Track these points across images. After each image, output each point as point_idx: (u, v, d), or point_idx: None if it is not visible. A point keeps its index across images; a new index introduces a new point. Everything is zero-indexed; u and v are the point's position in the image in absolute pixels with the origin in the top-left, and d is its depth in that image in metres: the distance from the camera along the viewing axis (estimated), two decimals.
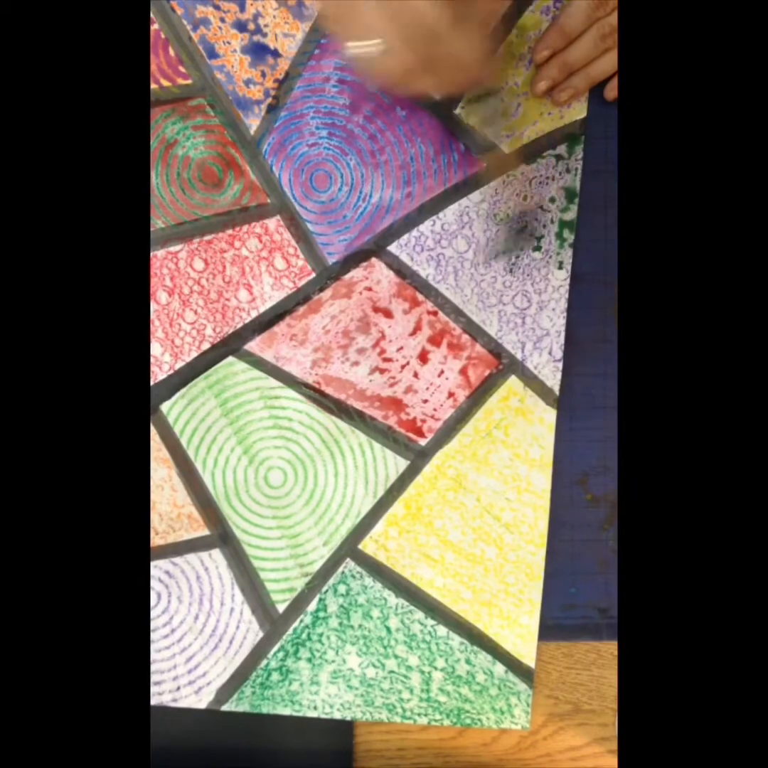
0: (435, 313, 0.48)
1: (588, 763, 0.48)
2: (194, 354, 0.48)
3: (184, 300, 0.48)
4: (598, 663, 0.49)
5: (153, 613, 0.48)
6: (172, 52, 0.48)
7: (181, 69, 0.48)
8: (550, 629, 0.48)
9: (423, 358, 0.48)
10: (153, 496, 0.48)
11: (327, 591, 0.48)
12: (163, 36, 0.48)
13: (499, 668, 0.48)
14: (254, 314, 0.48)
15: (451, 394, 0.48)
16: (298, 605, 0.48)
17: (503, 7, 0.36)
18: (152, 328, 0.48)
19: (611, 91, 0.47)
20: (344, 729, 0.48)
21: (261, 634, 0.48)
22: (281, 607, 0.48)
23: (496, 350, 0.48)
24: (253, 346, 0.48)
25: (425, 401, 0.48)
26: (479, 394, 0.48)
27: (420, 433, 0.48)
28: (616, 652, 0.48)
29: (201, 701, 0.47)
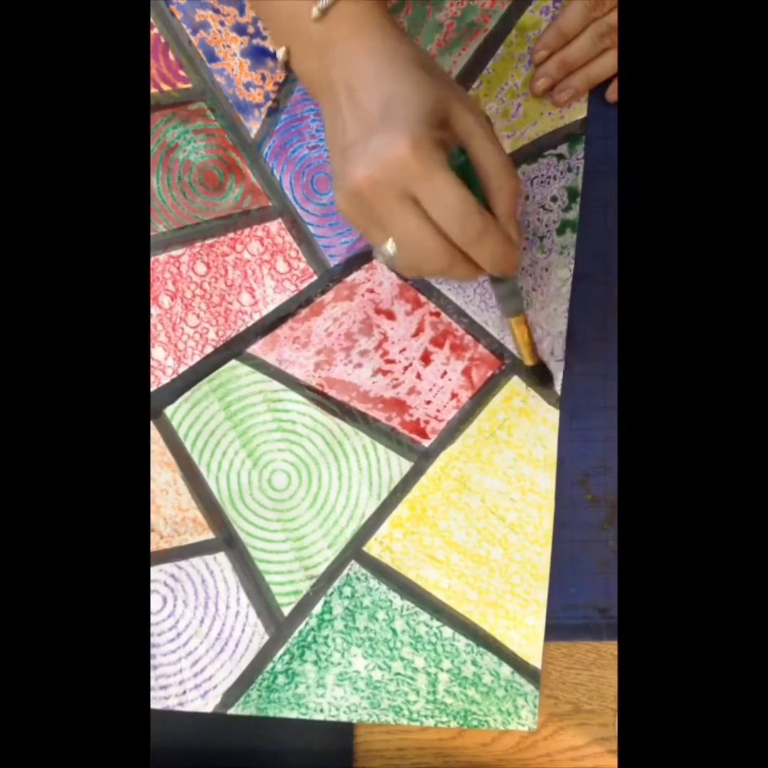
0: (437, 315, 0.48)
1: (588, 763, 0.48)
2: (197, 358, 0.48)
3: (187, 304, 0.48)
4: (598, 663, 0.49)
5: (158, 617, 0.48)
6: (172, 56, 0.48)
7: (181, 73, 0.48)
8: (550, 629, 0.48)
9: (426, 359, 0.48)
10: (157, 500, 0.48)
11: (332, 593, 0.48)
12: (162, 40, 0.48)
13: (506, 669, 0.48)
14: (257, 317, 0.48)
15: (454, 395, 0.48)
16: (303, 608, 0.48)
17: (520, 228, 0.39)
18: (155, 333, 0.48)
19: (613, 93, 0.47)
20: (344, 729, 0.48)
21: (266, 637, 0.48)
22: (287, 610, 0.48)
23: (499, 351, 0.48)
24: (255, 349, 0.48)
25: (428, 402, 0.48)
26: (482, 395, 0.48)
27: (423, 435, 0.48)
28: (616, 652, 0.48)
29: (207, 705, 0.47)
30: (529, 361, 0.46)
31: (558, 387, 0.48)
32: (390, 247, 0.37)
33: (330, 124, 0.38)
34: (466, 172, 0.36)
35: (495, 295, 0.45)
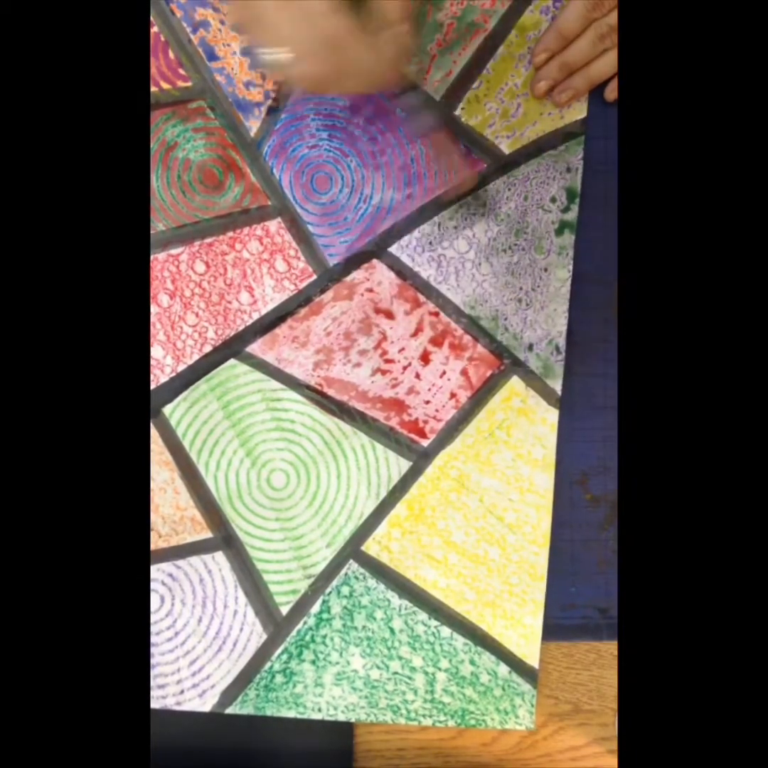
0: (436, 314, 0.48)
1: (588, 763, 0.48)
2: (196, 357, 0.48)
3: (186, 303, 0.48)
4: (598, 663, 0.49)
5: (156, 617, 0.48)
6: (171, 54, 0.48)
7: (181, 72, 0.48)
8: (550, 629, 0.48)
9: (425, 359, 0.48)
10: (156, 499, 0.48)
11: (330, 593, 0.48)
12: (162, 39, 0.48)
13: (503, 669, 0.48)
14: (256, 316, 0.48)
15: (453, 395, 0.48)
16: (301, 607, 0.48)
17: (409, 7, 0.36)
18: (154, 331, 0.48)
19: (612, 93, 0.47)
20: (344, 729, 0.48)
21: (265, 637, 0.48)
22: (285, 610, 0.48)
23: (498, 350, 0.48)
24: (254, 348, 0.48)
25: (427, 402, 0.48)
26: (481, 395, 0.48)
27: (422, 434, 0.48)
28: (616, 652, 0.48)
29: (205, 704, 0.47)
30: (464, 183, 0.44)
31: (558, 387, 0.48)
32: (276, 52, 0.35)
33: None
34: None
35: (404, 110, 0.43)
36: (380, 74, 0.37)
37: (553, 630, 0.48)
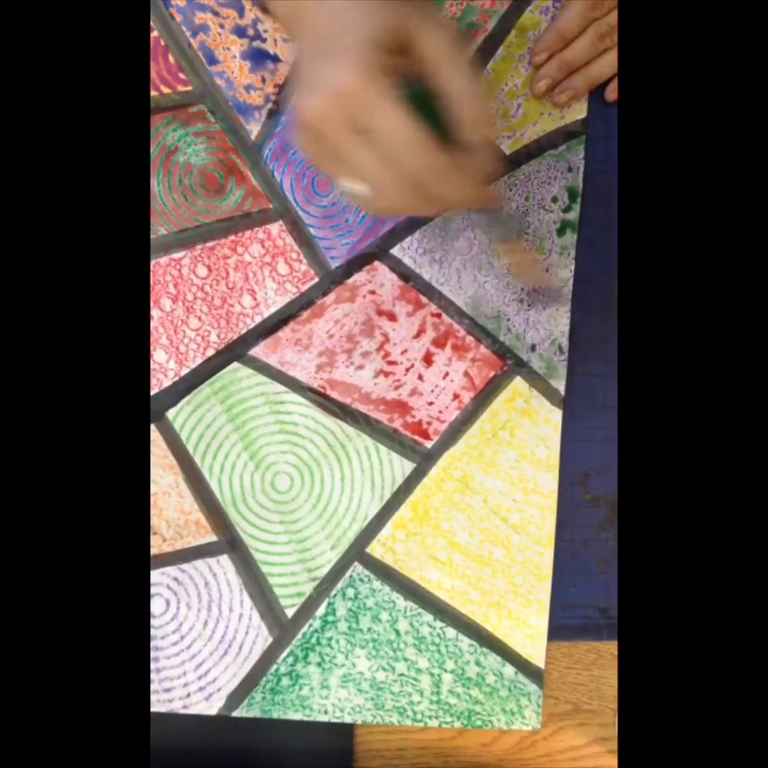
0: (439, 315, 0.48)
1: (588, 763, 0.48)
2: (199, 360, 0.48)
3: (188, 307, 0.48)
4: (598, 663, 0.49)
5: (162, 620, 0.48)
6: (171, 58, 0.48)
7: (181, 76, 0.48)
8: (550, 629, 0.48)
9: (427, 360, 0.48)
10: (160, 503, 0.48)
11: (335, 595, 0.48)
12: (162, 43, 0.48)
13: (509, 669, 0.48)
14: (258, 319, 0.48)
15: (456, 396, 0.48)
16: (306, 610, 0.48)
17: (496, 158, 0.36)
18: (157, 335, 0.48)
19: (612, 93, 0.47)
20: (345, 730, 0.48)
21: (270, 640, 0.48)
22: (290, 612, 0.48)
23: (501, 351, 0.48)
24: (257, 351, 0.48)
25: (430, 403, 0.48)
26: (484, 396, 0.48)
27: (426, 436, 0.48)
28: (616, 652, 0.48)
29: (211, 707, 0.47)
30: (537, 282, 0.44)
31: (561, 387, 0.48)
32: (356, 185, 0.35)
33: (296, 59, 0.36)
34: (424, 104, 0.33)
35: (482, 222, 0.43)
36: (462, 203, 0.36)
37: (554, 630, 0.48)
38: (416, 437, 0.48)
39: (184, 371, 0.48)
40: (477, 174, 0.35)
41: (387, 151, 0.33)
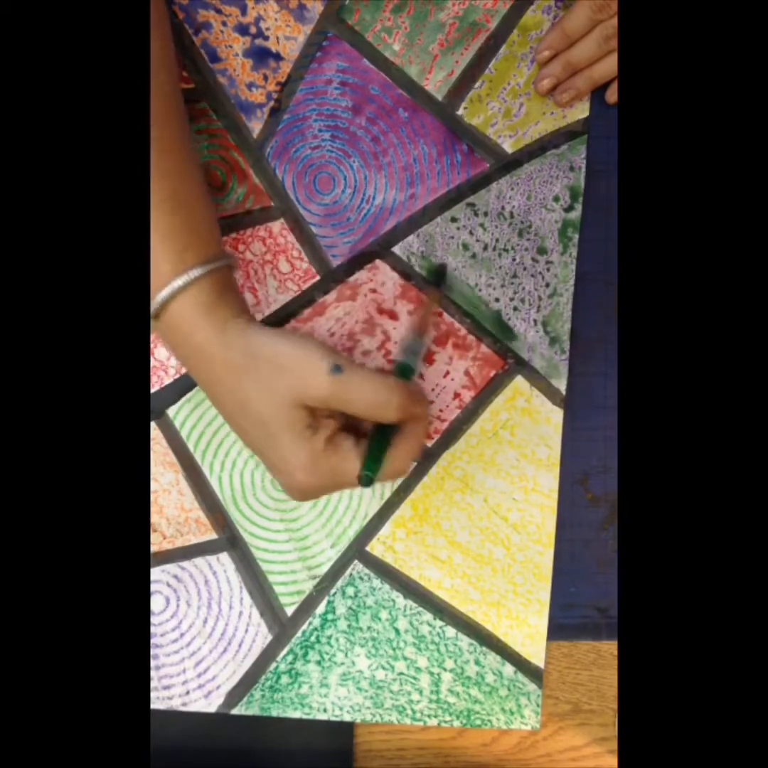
0: (439, 314, 0.48)
1: (588, 763, 0.48)
2: None
3: None
4: (598, 663, 0.49)
5: (161, 618, 0.48)
6: None
7: (184, 73, 0.48)
8: (550, 629, 0.48)
9: (428, 359, 0.48)
10: (160, 501, 0.48)
11: (335, 593, 0.48)
12: None
13: (509, 669, 0.48)
14: (259, 317, 0.48)
15: (456, 395, 0.48)
16: (306, 608, 0.48)
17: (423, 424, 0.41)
18: None
19: (612, 96, 0.47)
20: (344, 729, 0.48)
21: (270, 637, 0.48)
22: (290, 610, 0.48)
23: (502, 350, 0.48)
24: None
25: (431, 402, 0.48)
26: (485, 395, 0.48)
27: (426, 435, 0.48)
28: (616, 652, 0.48)
29: (210, 705, 0.47)
30: (437, 301, 0.47)
31: (562, 386, 0.48)
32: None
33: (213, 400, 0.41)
34: (376, 464, 0.39)
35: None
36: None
37: (553, 630, 0.48)
38: None
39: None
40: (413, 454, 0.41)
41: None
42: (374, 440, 0.39)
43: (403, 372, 0.43)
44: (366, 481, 0.38)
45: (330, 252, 0.49)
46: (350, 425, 0.41)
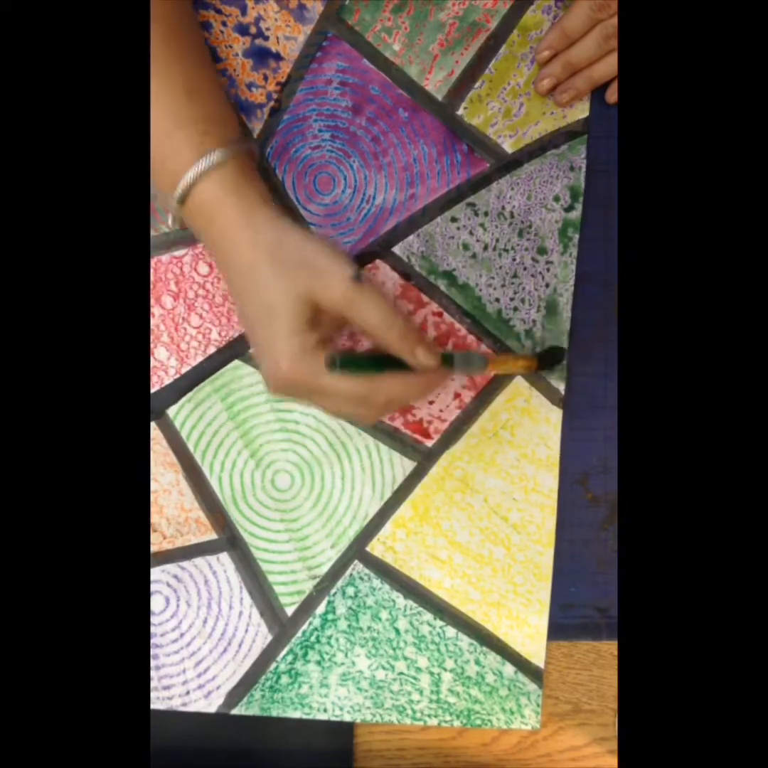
0: (440, 315, 0.48)
1: (588, 763, 0.48)
2: (200, 358, 0.48)
3: (189, 304, 0.48)
4: (598, 663, 0.49)
5: (162, 618, 0.48)
6: None
7: None
8: (550, 629, 0.48)
9: None
10: (160, 501, 0.48)
11: (335, 593, 0.48)
12: None
13: (509, 669, 0.48)
14: None
15: (457, 395, 0.48)
16: (306, 608, 0.48)
17: (434, 354, 0.40)
18: (158, 333, 0.48)
19: (612, 96, 0.47)
20: (344, 729, 0.48)
21: (270, 638, 0.48)
22: (290, 610, 0.48)
23: (502, 350, 0.48)
24: None
25: (431, 403, 0.48)
26: (485, 395, 0.48)
27: (426, 435, 0.48)
28: (616, 652, 0.48)
29: (211, 705, 0.47)
30: (528, 369, 0.46)
31: (562, 386, 0.48)
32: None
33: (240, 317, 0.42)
34: (351, 362, 0.39)
35: (460, 374, 0.47)
36: (421, 397, 0.44)
37: (553, 630, 0.48)
38: (417, 436, 0.48)
39: (185, 369, 0.48)
40: (414, 387, 0.40)
41: (344, 407, 0.40)
42: (364, 357, 0.39)
43: (445, 359, 0.42)
44: (329, 360, 0.38)
45: None
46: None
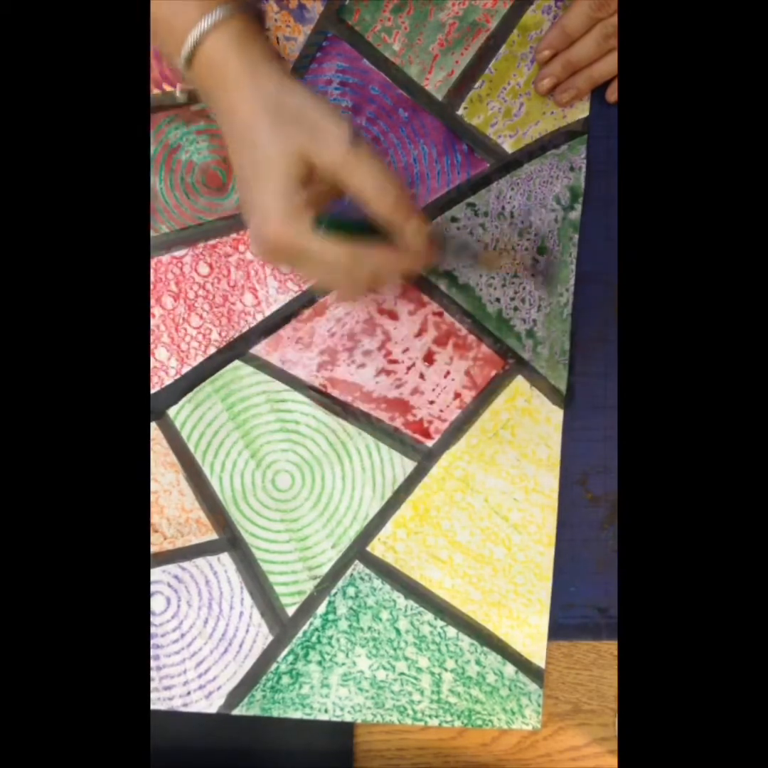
0: (440, 314, 0.48)
1: (588, 763, 0.48)
2: (200, 358, 0.48)
3: (190, 305, 0.48)
4: (598, 663, 0.49)
5: (162, 618, 0.48)
6: None
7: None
8: (549, 629, 0.48)
9: (429, 359, 0.48)
10: (161, 501, 0.48)
11: (336, 593, 0.48)
12: None
13: (510, 669, 0.48)
14: (260, 318, 0.48)
15: (457, 395, 0.48)
16: (307, 608, 0.48)
17: (423, 228, 0.40)
18: (158, 333, 0.48)
19: (613, 95, 0.47)
20: (344, 729, 0.48)
21: (271, 638, 0.48)
22: (290, 611, 0.48)
23: (502, 350, 0.48)
24: (259, 349, 0.48)
25: (432, 402, 0.48)
26: (486, 395, 0.48)
27: (427, 435, 0.48)
28: (616, 652, 0.48)
29: (211, 706, 0.47)
30: (527, 273, 0.46)
31: (563, 386, 0.48)
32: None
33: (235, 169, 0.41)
34: (339, 225, 0.38)
35: (451, 262, 0.46)
36: (409, 272, 0.43)
37: (553, 630, 0.48)
38: (417, 436, 0.48)
39: (186, 369, 0.48)
40: (411, 246, 0.39)
41: (330, 272, 0.39)
42: (353, 222, 0.39)
43: (438, 239, 0.42)
44: (317, 221, 0.37)
45: None
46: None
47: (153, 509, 0.48)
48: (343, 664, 0.48)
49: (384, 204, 0.38)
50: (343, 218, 0.39)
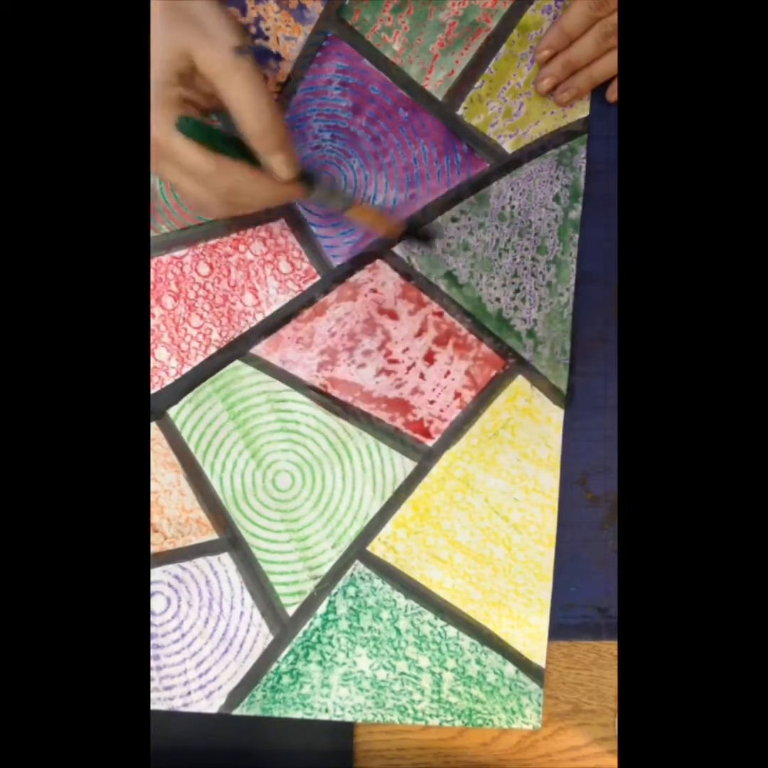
0: (440, 314, 0.48)
1: (588, 763, 0.48)
2: (200, 358, 0.48)
3: (190, 305, 0.48)
4: (598, 663, 0.49)
5: (163, 618, 0.48)
6: None
7: None
8: (550, 629, 0.48)
9: (429, 359, 0.48)
10: (161, 501, 0.48)
11: (336, 593, 0.48)
12: None
13: (510, 668, 0.48)
14: (260, 318, 0.48)
15: (457, 395, 0.48)
16: (307, 608, 0.48)
17: (292, 161, 0.40)
18: (158, 333, 0.48)
19: (613, 94, 0.47)
20: (344, 729, 0.48)
21: (271, 638, 0.48)
22: (291, 610, 0.48)
23: (502, 350, 0.48)
24: (259, 349, 0.48)
25: (432, 402, 0.48)
26: (486, 395, 0.48)
27: (427, 434, 0.48)
28: (616, 652, 0.48)
29: (212, 706, 0.47)
30: (390, 233, 0.46)
31: (563, 386, 0.48)
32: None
33: None
34: (201, 132, 0.37)
35: (316, 204, 0.45)
36: (271, 202, 0.41)
37: (553, 629, 0.48)
38: (418, 436, 0.48)
39: (186, 369, 0.48)
40: (278, 176, 0.39)
41: (195, 178, 0.38)
42: (219, 132, 0.38)
43: (305, 179, 0.41)
44: (182, 120, 0.37)
45: (330, 252, 0.49)
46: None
47: (153, 509, 0.48)
48: (344, 663, 0.48)
49: (254, 127, 0.37)
50: (214, 129, 0.38)
